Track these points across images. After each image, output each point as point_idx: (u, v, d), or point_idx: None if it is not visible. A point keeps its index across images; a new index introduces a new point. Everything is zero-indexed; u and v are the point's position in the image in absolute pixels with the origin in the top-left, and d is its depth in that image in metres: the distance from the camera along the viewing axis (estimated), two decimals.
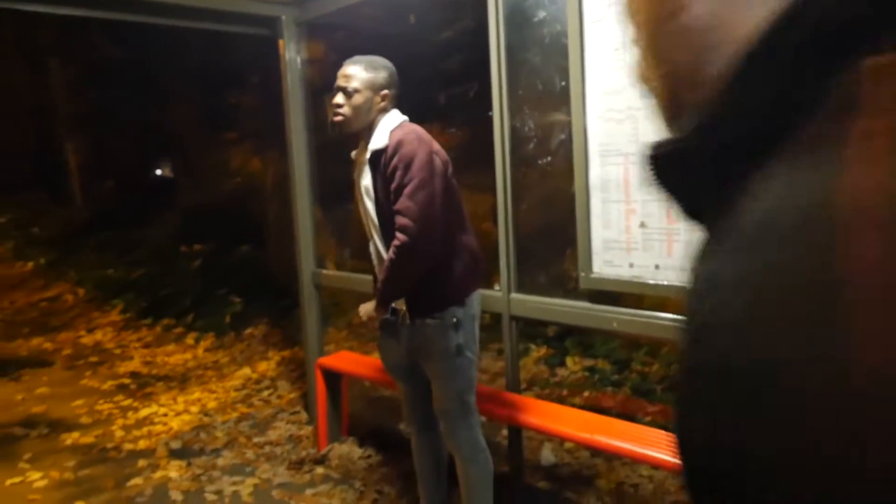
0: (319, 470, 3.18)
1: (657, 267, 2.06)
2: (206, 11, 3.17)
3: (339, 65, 2.18)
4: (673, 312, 2.09)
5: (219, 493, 3.01)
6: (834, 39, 0.32)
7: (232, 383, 4.53)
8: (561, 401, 3.55)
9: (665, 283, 2.04)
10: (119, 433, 3.75)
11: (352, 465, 3.19)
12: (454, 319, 2.10)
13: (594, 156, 2.18)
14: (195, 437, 3.64)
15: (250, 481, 3.09)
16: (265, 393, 4.32)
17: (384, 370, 2.46)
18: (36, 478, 3.23)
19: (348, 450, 3.31)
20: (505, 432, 2.80)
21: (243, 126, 10.07)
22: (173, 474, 3.20)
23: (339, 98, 2.11)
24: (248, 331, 5.65)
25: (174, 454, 3.43)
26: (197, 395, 4.33)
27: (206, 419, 3.89)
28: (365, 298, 2.33)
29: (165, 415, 4.00)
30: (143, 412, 4.05)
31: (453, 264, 2.12)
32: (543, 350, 4.45)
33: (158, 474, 3.21)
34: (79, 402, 4.28)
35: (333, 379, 3.38)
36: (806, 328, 0.28)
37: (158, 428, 3.80)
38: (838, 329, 0.27)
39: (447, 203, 2.06)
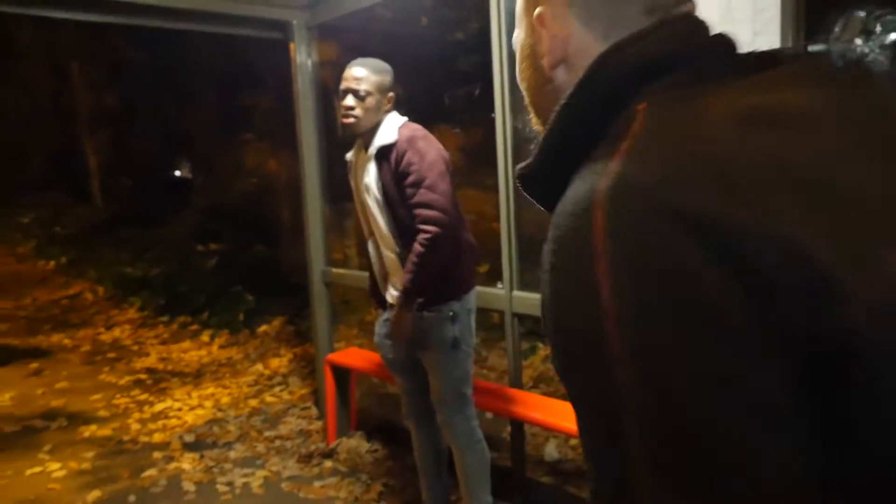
0: (328, 463, 3.25)
1: None
2: (221, 16, 3.26)
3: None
4: None
5: (230, 484, 3.09)
6: (615, 94, 0.53)
7: (245, 379, 4.62)
8: (568, 398, 3.59)
9: None
10: (135, 426, 3.85)
11: (359, 458, 3.26)
12: (451, 313, 2.17)
13: None
14: (208, 430, 3.74)
15: (261, 473, 3.17)
16: (277, 389, 4.40)
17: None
18: (55, 468, 3.34)
19: (356, 444, 3.38)
20: (509, 428, 2.86)
21: (259, 127, 10.21)
22: (187, 466, 3.29)
23: (350, 100, 2.15)
24: (262, 328, 5.76)
25: (188, 447, 3.53)
26: (211, 390, 4.43)
27: (219, 414, 3.99)
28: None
29: (180, 409, 4.10)
30: (159, 406, 4.15)
31: (459, 259, 2.18)
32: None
33: (172, 466, 3.30)
34: (97, 396, 4.40)
35: (342, 375, 3.45)
36: (574, 279, 0.47)
37: (173, 422, 3.90)
38: (591, 275, 0.45)
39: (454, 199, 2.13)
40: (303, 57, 3.46)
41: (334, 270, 3.58)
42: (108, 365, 5.11)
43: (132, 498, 3.00)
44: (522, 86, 0.69)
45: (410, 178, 2.06)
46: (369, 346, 4.28)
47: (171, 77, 9.95)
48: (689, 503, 0.43)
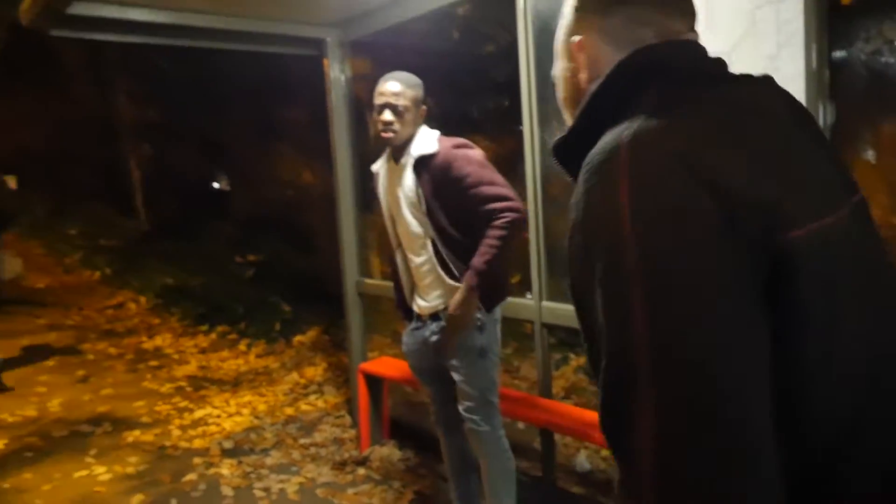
0: (361, 471, 3.31)
1: None
2: (259, 35, 3.38)
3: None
4: None
5: (266, 490, 3.17)
6: (629, 86, 0.75)
7: (281, 388, 4.72)
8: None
9: None
10: (176, 432, 3.97)
11: (392, 466, 3.31)
12: (478, 322, 2.20)
13: None
14: (246, 437, 3.84)
15: (296, 480, 3.25)
16: (312, 397, 4.49)
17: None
18: (101, 471, 3.47)
19: (389, 452, 3.43)
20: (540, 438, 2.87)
21: (293, 139, 10.42)
22: (225, 471, 3.38)
23: (388, 115, 2.19)
24: (297, 338, 5.87)
25: (226, 453, 3.63)
26: (248, 398, 4.54)
27: (256, 421, 4.09)
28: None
29: (219, 416, 4.22)
30: (198, 413, 4.27)
31: (496, 271, 2.21)
32: (583, 359, 4.49)
33: (212, 471, 3.40)
34: (140, 402, 4.54)
35: (375, 384, 3.52)
36: (602, 194, 0.67)
37: (212, 428, 4.01)
38: (614, 191, 0.65)
39: None
40: (336, 72, 3.56)
41: (367, 281, 3.65)
42: (151, 372, 5.28)
43: (174, 501, 3.10)
44: (564, 104, 0.91)
45: (469, 181, 2.11)
46: (402, 355, 4.34)
47: (209, 92, 10.23)
48: (674, 354, 0.61)
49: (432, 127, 2.31)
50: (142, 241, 10.25)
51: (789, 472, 0.63)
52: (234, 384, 4.89)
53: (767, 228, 0.62)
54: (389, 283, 3.53)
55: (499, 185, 2.13)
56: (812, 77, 1.77)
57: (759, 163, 0.66)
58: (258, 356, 5.59)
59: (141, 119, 10.78)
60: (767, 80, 0.81)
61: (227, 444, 3.73)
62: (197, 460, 3.54)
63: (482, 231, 2.15)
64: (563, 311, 2.56)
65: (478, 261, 2.13)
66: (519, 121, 2.64)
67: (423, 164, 2.19)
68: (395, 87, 2.21)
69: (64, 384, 5.07)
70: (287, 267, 7.49)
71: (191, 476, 3.36)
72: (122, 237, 11.05)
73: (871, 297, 0.70)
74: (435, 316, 2.30)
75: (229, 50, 3.73)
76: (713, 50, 0.87)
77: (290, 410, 4.26)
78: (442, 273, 2.22)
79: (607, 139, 0.70)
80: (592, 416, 2.61)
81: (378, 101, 2.22)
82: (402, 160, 2.26)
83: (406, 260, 2.35)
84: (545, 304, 2.63)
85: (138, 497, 3.16)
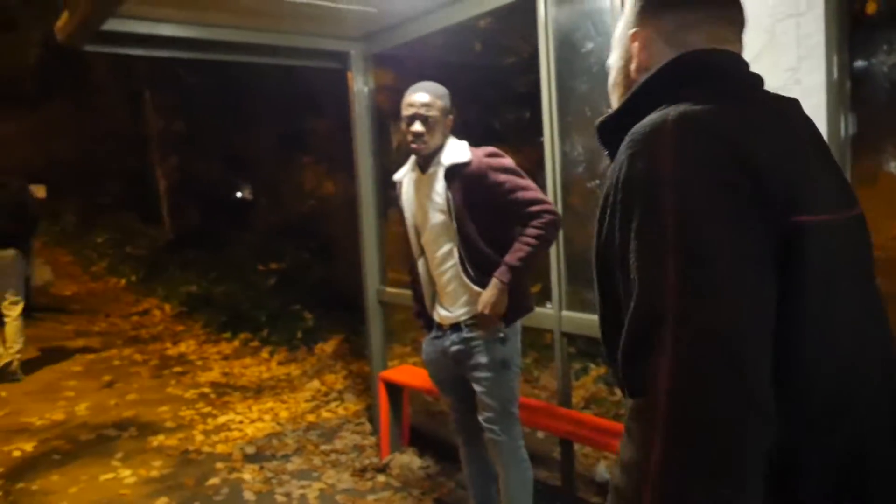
0: (381, 478, 3.34)
1: None
2: (285, 49, 3.46)
3: (404, 92, 2.31)
4: None
5: (287, 495, 3.21)
6: (676, 81, 0.87)
7: (302, 395, 4.78)
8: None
9: None
10: (199, 437, 4.04)
11: (411, 474, 3.34)
12: (500, 335, 2.22)
13: None
14: (268, 443, 3.89)
15: (317, 485, 3.28)
16: (333, 404, 4.53)
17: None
18: (126, 474, 3.54)
19: (408, 459, 3.45)
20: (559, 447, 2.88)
21: (316, 150, 10.55)
22: (247, 476, 3.43)
23: (419, 126, 2.19)
24: (319, 345, 5.93)
25: (248, 458, 3.68)
26: (270, 404, 4.60)
27: (277, 427, 4.14)
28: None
29: (241, 422, 4.27)
30: (221, 419, 4.34)
31: (521, 284, 2.24)
32: (603, 369, 4.48)
33: (234, 476, 3.45)
34: (164, 408, 4.62)
35: (395, 392, 3.55)
36: (646, 171, 0.77)
37: (235, 434, 4.07)
38: (658, 156, 0.76)
39: None
40: (359, 85, 3.63)
41: (388, 289, 3.69)
42: (175, 378, 5.36)
43: None
44: (612, 90, 1.02)
45: (506, 187, 2.14)
46: (422, 363, 4.37)
47: (234, 104, 10.41)
48: (698, 302, 0.71)
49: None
50: (167, 250, 10.43)
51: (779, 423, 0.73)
52: (257, 391, 4.95)
53: (787, 209, 0.74)
54: (410, 292, 3.59)
55: (534, 189, 2.17)
56: (833, 89, 1.78)
57: (786, 156, 0.78)
58: (280, 363, 5.65)
59: (167, 131, 11.01)
60: (795, 102, 0.92)
61: (250, 450, 3.78)
62: (220, 465, 3.60)
63: (509, 244, 2.16)
64: (584, 321, 2.57)
65: (511, 257, 2.14)
66: (540, 132, 2.67)
67: (456, 173, 2.18)
68: (425, 97, 2.21)
69: (90, 389, 5.17)
70: (309, 276, 7.57)
71: (214, 480, 3.41)
72: (147, 246, 11.25)
73: (857, 290, 0.83)
74: (456, 326, 2.30)
75: (254, 63, 3.82)
76: None
77: (311, 417, 4.30)
78: (466, 281, 2.23)
79: (653, 116, 0.80)
80: (612, 425, 2.61)
81: (407, 112, 2.22)
82: (431, 169, 2.26)
83: (428, 269, 2.35)
84: (565, 313, 2.64)
85: (163, 500, 3.22)
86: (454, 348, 2.31)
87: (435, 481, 3.25)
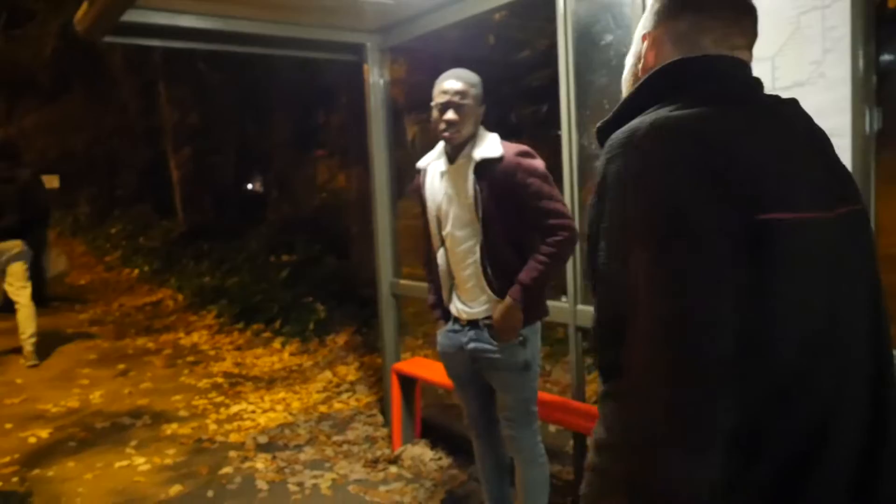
0: (393, 469, 3.35)
1: None
2: (301, 41, 3.46)
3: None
4: None
5: (300, 485, 3.23)
6: (671, 84, 0.91)
7: (314, 386, 4.80)
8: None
9: None
10: (212, 426, 4.07)
11: (423, 466, 3.34)
12: (521, 338, 2.19)
13: None
14: (280, 433, 3.91)
15: (329, 476, 3.30)
16: (345, 396, 4.55)
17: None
18: (140, 462, 3.58)
19: (420, 451, 3.46)
20: (572, 441, 2.88)
21: (329, 143, 10.57)
22: (260, 466, 3.45)
23: (451, 114, 2.12)
24: (331, 337, 5.95)
25: (261, 448, 3.70)
26: (282, 395, 4.62)
27: (290, 417, 4.16)
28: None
29: (254, 412, 4.30)
30: (234, 409, 4.37)
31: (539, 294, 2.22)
32: None
33: (247, 465, 3.48)
34: (178, 397, 4.66)
35: (408, 384, 3.55)
36: (618, 175, 0.84)
37: (247, 423, 4.09)
38: (628, 171, 0.82)
39: None
40: (375, 77, 3.62)
41: (402, 282, 3.70)
42: (188, 368, 5.40)
43: (210, 493, 3.18)
44: (624, 86, 1.06)
45: (531, 191, 2.09)
46: (434, 356, 4.38)
47: (248, 96, 10.44)
48: (664, 293, 0.76)
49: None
50: (180, 241, 10.48)
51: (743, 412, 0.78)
52: (269, 381, 4.98)
53: (754, 207, 0.77)
54: (423, 284, 3.59)
55: (557, 200, 2.12)
56: (858, 82, 1.76)
57: (763, 157, 0.82)
58: (292, 354, 5.68)
59: (182, 123, 11.05)
60: (793, 102, 0.96)
61: (262, 439, 3.81)
62: (233, 454, 3.62)
63: (531, 247, 2.14)
64: None
65: (525, 276, 2.11)
66: (555, 126, 2.66)
67: (486, 168, 2.12)
68: (458, 84, 2.14)
69: (105, 377, 5.22)
70: (320, 268, 7.59)
71: (227, 469, 3.44)
72: (161, 237, 11.33)
73: (838, 282, 0.86)
74: (474, 323, 2.26)
75: (268, 56, 3.83)
76: (755, 55, 0.99)
77: (323, 408, 4.32)
78: (484, 281, 2.19)
79: (631, 123, 0.85)
80: None
81: (440, 99, 2.15)
82: (460, 161, 2.19)
83: (448, 262, 2.30)
84: (580, 307, 2.63)
85: (176, 488, 3.25)
86: (472, 345, 2.27)
87: (447, 473, 3.25)
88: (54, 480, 3.41)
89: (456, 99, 2.13)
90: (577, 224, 2.24)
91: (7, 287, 5.49)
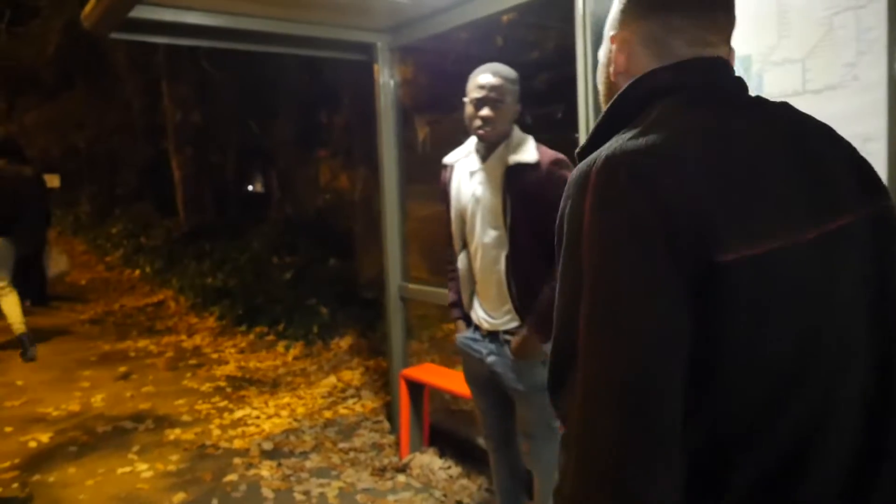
0: (401, 478, 3.28)
1: None
2: (310, 40, 3.40)
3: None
4: None
5: (306, 493, 3.16)
6: (643, 101, 0.84)
7: (319, 390, 4.73)
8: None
9: None
10: (216, 432, 4.00)
11: (432, 474, 3.28)
12: (543, 358, 2.10)
13: None
14: (285, 439, 3.84)
15: (336, 484, 3.23)
16: (350, 401, 4.48)
17: (465, 383, 2.46)
18: (143, 468, 3.51)
19: (429, 460, 3.40)
20: None
21: (333, 144, 10.50)
22: (265, 473, 3.39)
23: (487, 111, 2.03)
24: (335, 340, 5.88)
25: (266, 454, 3.63)
26: (287, 399, 4.55)
27: (294, 423, 4.09)
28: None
29: (258, 417, 4.23)
30: (238, 413, 4.30)
31: None
32: None
33: (252, 472, 3.41)
34: (180, 401, 4.59)
35: (416, 390, 3.49)
36: (576, 203, 0.79)
37: (252, 429, 4.03)
38: (583, 201, 0.77)
39: None
40: (385, 77, 3.56)
41: (410, 286, 3.63)
42: (191, 371, 5.33)
43: (215, 501, 3.11)
44: (600, 88, 0.99)
45: (557, 205, 2.01)
46: (441, 361, 4.31)
47: (251, 95, 10.38)
48: (604, 340, 0.72)
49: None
50: (182, 241, 10.41)
51: (694, 462, 0.73)
52: (273, 385, 4.91)
53: (703, 248, 0.71)
54: (432, 289, 3.52)
55: None
56: (894, 85, 1.69)
57: (713, 189, 0.74)
58: (296, 358, 5.61)
59: (184, 121, 10.98)
60: (784, 107, 0.88)
61: (267, 446, 3.74)
62: (237, 460, 3.55)
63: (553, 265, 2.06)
64: None
65: (542, 306, 2.03)
66: (571, 128, 2.59)
67: (519, 173, 2.01)
68: (495, 80, 2.04)
69: (106, 379, 5.16)
70: (324, 270, 7.52)
71: (231, 476, 3.37)
72: (162, 237, 11.25)
73: (819, 318, 0.78)
74: (494, 336, 2.18)
75: (273, 56, 3.77)
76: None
77: (328, 413, 4.26)
78: (507, 294, 2.11)
79: (588, 158, 0.80)
80: None
81: (475, 94, 2.05)
82: (492, 161, 2.09)
83: (470, 265, 2.22)
84: None
85: (180, 495, 3.18)
86: (492, 358, 2.19)
87: (457, 483, 3.18)
88: (55, 486, 3.34)
89: (493, 95, 2.03)
90: None
91: None
